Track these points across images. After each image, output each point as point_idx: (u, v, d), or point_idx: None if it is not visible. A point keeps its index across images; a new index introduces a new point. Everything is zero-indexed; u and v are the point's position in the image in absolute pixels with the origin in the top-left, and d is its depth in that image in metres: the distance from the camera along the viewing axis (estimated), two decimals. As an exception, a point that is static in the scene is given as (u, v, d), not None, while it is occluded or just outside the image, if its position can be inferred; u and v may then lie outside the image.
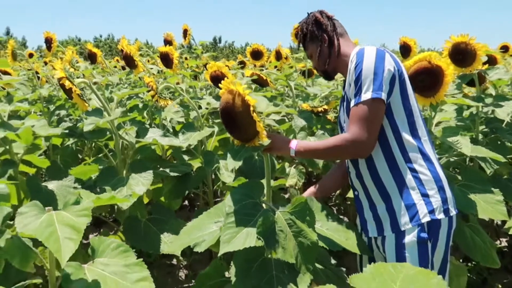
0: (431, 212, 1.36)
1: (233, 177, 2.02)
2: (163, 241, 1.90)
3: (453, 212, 1.41)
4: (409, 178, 1.38)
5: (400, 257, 1.36)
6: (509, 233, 1.90)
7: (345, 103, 1.52)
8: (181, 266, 2.88)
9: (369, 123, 1.33)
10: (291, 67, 4.01)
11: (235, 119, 1.30)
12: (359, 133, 1.34)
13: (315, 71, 3.93)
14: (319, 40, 1.56)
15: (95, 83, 2.34)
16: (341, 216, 2.48)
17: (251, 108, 1.26)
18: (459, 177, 2.05)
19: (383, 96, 1.33)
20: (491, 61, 2.59)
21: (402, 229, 1.37)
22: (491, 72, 2.32)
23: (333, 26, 1.56)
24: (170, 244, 1.86)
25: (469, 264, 2.63)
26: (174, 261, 2.92)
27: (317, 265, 1.70)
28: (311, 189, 1.75)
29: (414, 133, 1.41)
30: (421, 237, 1.35)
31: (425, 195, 1.37)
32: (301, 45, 1.68)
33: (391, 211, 1.40)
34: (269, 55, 3.82)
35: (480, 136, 2.39)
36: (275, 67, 4.34)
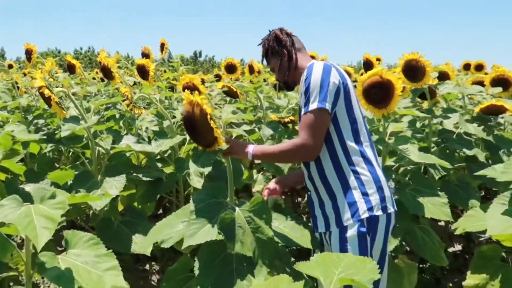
0: (370, 209, 1.52)
1: (202, 182, 2.16)
2: (134, 241, 2.01)
3: (391, 209, 1.58)
4: (351, 179, 1.55)
5: (343, 250, 1.52)
6: (455, 233, 2.08)
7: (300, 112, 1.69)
8: (154, 271, 2.97)
9: (315, 130, 1.51)
10: (265, 80, 4.20)
11: (196, 126, 1.46)
12: (306, 139, 1.51)
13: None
14: (279, 54, 1.71)
15: (74, 94, 2.45)
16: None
17: (208, 116, 1.42)
18: (411, 183, 2.25)
19: (327, 106, 1.49)
20: (443, 76, 2.83)
21: (345, 224, 1.53)
22: (441, 87, 2.55)
23: (292, 42, 1.72)
24: (141, 244, 1.97)
25: (424, 265, 2.81)
26: (147, 267, 3.01)
27: (275, 261, 1.85)
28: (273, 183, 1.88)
29: (357, 139, 1.58)
30: (360, 232, 1.51)
31: (365, 194, 1.54)
32: (264, 59, 1.84)
33: (336, 208, 1.57)
34: (243, 69, 4.00)
35: (433, 145, 2.60)
36: (251, 81, 4.53)
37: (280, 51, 1.72)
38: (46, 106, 3.81)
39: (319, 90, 1.50)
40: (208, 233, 1.47)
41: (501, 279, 1.89)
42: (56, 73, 3.27)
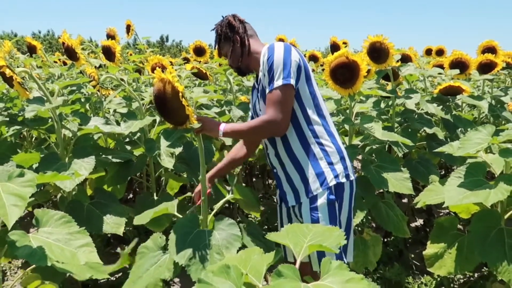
0: (336, 177, 1.62)
1: (174, 162, 2.17)
2: (105, 222, 2.00)
3: (352, 177, 1.68)
4: (317, 151, 1.63)
5: (314, 218, 1.60)
6: (416, 207, 2.20)
7: (259, 93, 1.74)
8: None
9: (282, 105, 1.56)
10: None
11: (167, 104, 1.47)
12: (274, 114, 1.56)
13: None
14: (231, 41, 1.75)
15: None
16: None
17: (180, 94, 1.43)
18: (376, 160, 2.35)
19: (292, 82, 1.55)
20: (406, 59, 2.94)
21: (315, 193, 1.61)
22: (403, 69, 2.65)
23: (244, 29, 1.75)
24: (112, 223, 1.97)
25: (388, 239, 2.96)
26: (118, 250, 2.99)
27: (247, 237, 1.90)
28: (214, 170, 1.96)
29: (319, 112, 1.66)
30: (330, 199, 1.60)
31: (330, 163, 1.63)
32: (217, 45, 1.85)
33: (305, 180, 1.64)
34: (212, 52, 3.98)
35: (396, 125, 2.72)
36: (220, 64, 4.51)
37: (233, 37, 1.74)
38: (5, 90, 3.66)
39: (282, 68, 1.55)
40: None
41: (457, 247, 2.03)
42: (16, 55, 3.13)
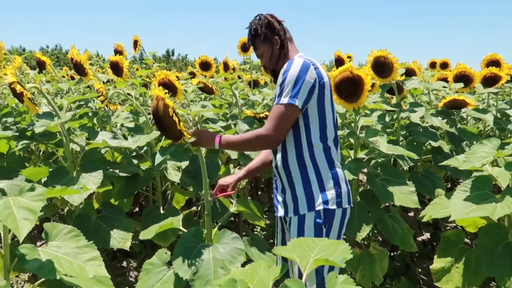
0: (325, 202, 1.58)
1: (180, 176, 2.19)
2: (112, 237, 2.01)
3: (345, 205, 1.63)
4: (311, 173, 1.61)
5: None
6: (423, 220, 2.19)
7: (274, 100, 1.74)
8: (131, 267, 2.97)
9: (280, 123, 1.56)
10: (239, 77, 4.24)
11: (162, 121, 1.51)
12: (269, 130, 1.57)
13: (261, 81, 4.19)
14: (271, 42, 1.70)
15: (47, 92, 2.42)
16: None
17: (170, 109, 1.46)
18: (381, 174, 2.35)
19: (297, 102, 1.53)
20: (410, 73, 2.97)
21: (301, 213, 1.61)
22: (407, 82, 2.66)
23: (284, 31, 1.72)
24: (119, 239, 1.98)
25: (395, 253, 2.94)
26: (124, 264, 3.00)
27: (253, 249, 1.90)
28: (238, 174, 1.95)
29: (323, 136, 1.63)
30: (316, 222, 1.58)
31: (322, 188, 1.60)
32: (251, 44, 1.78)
33: (295, 198, 1.63)
34: (217, 66, 4.03)
35: (401, 139, 2.73)
36: (225, 79, 4.57)
37: (273, 39, 1.70)
38: (14, 104, 3.72)
39: (292, 86, 1.54)
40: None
41: (464, 262, 2.02)
42: (26, 71, 3.19)
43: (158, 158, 1.63)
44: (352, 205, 1.70)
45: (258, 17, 1.75)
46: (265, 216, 3.53)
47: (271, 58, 1.73)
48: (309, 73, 1.56)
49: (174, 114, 1.49)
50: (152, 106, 1.53)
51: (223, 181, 1.92)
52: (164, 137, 2.50)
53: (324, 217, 1.59)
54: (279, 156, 1.68)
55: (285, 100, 1.55)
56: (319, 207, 1.59)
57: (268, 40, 1.71)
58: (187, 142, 1.59)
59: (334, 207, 1.60)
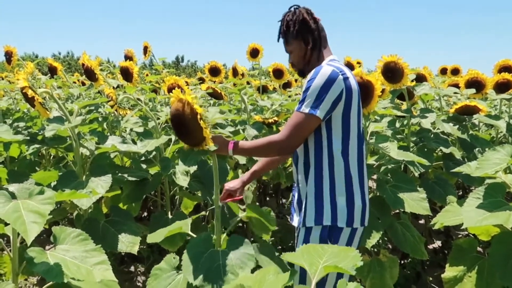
0: (334, 219, 1.54)
1: (188, 180, 2.18)
2: (120, 241, 2.01)
3: (357, 225, 1.57)
4: (326, 187, 1.56)
5: None
6: (434, 228, 2.16)
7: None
8: (139, 272, 2.96)
9: (297, 131, 1.51)
10: (248, 83, 4.25)
11: (184, 125, 1.46)
12: (284, 137, 1.53)
13: (270, 86, 4.19)
14: (303, 40, 1.61)
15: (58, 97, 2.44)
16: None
17: (199, 116, 1.44)
18: (392, 180, 2.32)
19: (318, 113, 1.47)
20: (420, 79, 2.94)
21: (308, 225, 1.58)
22: (418, 88, 2.64)
23: (318, 31, 1.61)
24: (128, 243, 1.98)
25: (405, 261, 2.89)
26: (132, 268, 2.99)
27: (262, 256, 1.89)
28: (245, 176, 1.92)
29: (344, 150, 1.56)
30: (322, 236, 1.55)
31: (333, 204, 1.55)
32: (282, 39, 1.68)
33: (305, 209, 1.60)
34: (227, 72, 4.04)
35: (412, 145, 2.69)
36: (234, 84, 4.58)
37: (306, 38, 1.61)
38: (26, 109, 3.77)
39: (316, 96, 1.48)
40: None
41: (477, 271, 1.97)
42: (38, 76, 3.23)
43: (180, 166, 1.59)
44: (366, 225, 1.64)
45: (293, 10, 1.64)
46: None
47: (301, 57, 1.64)
48: (335, 84, 1.48)
49: (201, 120, 1.46)
50: (173, 108, 1.47)
51: (229, 185, 1.88)
52: (172, 142, 2.50)
53: (331, 233, 1.55)
54: (300, 164, 1.64)
55: (306, 109, 1.50)
56: (327, 222, 1.55)
57: (300, 38, 1.61)
58: (207, 149, 1.56)
59: (342, 225, 1.55)
